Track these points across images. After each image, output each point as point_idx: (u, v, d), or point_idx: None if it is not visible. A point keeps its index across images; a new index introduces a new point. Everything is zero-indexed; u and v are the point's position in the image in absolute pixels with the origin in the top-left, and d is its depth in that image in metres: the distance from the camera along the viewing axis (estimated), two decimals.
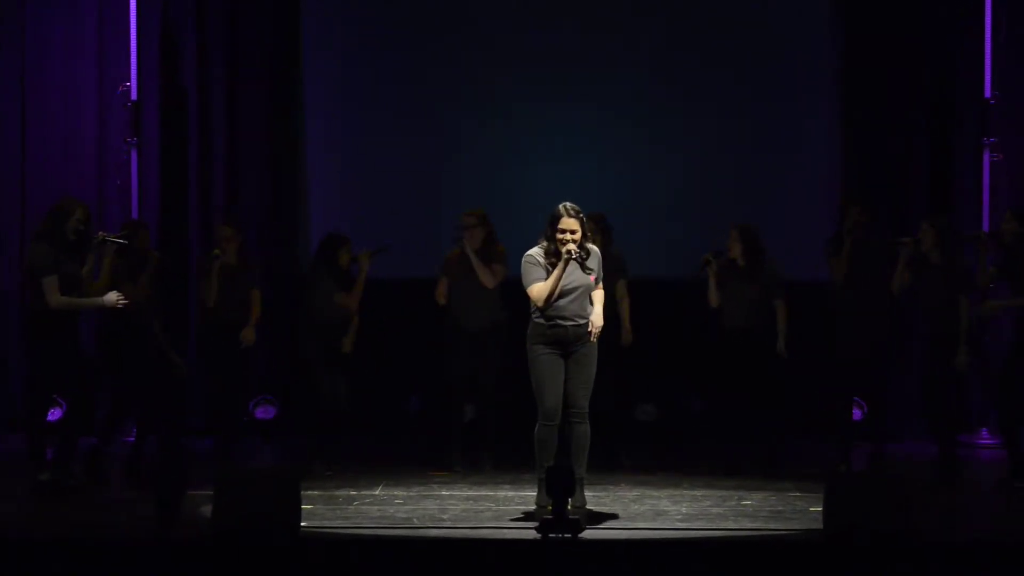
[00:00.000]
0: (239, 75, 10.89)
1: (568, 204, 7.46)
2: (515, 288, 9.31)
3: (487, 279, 9.16)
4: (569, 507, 7.30)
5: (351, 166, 11.02)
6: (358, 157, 11.01)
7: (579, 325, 7.47)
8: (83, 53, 10.82)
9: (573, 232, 7.40)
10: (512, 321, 9.31)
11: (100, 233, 8.54)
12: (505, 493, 8.28)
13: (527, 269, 7.48)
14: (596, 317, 7.47)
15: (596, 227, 9.09)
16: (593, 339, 7.46)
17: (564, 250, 7.38)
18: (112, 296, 8.23)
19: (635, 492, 8.25)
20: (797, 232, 10.48)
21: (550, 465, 7.31)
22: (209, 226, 10.73)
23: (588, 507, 7.62)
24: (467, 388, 9.32)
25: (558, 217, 7.44)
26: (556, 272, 7.40)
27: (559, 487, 6.78)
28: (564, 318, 7.46)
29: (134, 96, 10.77)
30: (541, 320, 7.49)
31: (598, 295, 7.56)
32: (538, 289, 7.44)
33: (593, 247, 7.56)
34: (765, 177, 10.84)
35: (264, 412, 10.81)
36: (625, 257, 9.32)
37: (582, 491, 7.56)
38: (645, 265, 9.79)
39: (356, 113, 10.99)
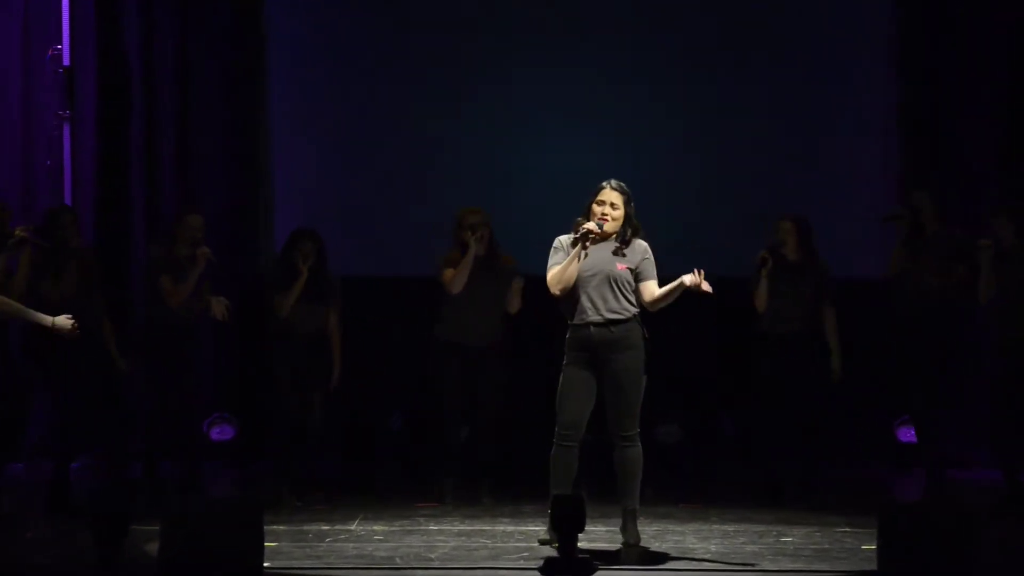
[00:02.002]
0: (190, 37, 10.88)
1: (615, 180, 7.52)
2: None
3: (514, 303, 9.22)
4: (623, 544, 7.45)
5: (323, 149, 11.01)
6: (331, 138, 11.02)
7: (605, 324, 7.43)
8: (6, 9, 10.81)
9: (614, 206, 7.43)
10: (534, 329, 9.35)
11: (18, 229, 8.52)
12: (504, 528, 8.30)
13: (551, 254, 7.54)
14: (685, 279, 7.26)
15: None
16: (703, 292, 7.27)
17: (581, 228, 7.39)
18: (63, 320, 8.00)
19: (656, 527, 8.26)
20: (845, 225, 10.51)
21: (556, 493, 7.34)
22: (156, 215, 10.75)
23: (597, 544, 7.65)
24: (462, 409, 9.36)
25: (599, 188, 7.51)
26: (572, 253, 7.43)
27: (566, 520, 6.79)
28: (584, 313, 7.44)
29: (66, 61, 10.77)
30: (569, 321, 7.53)
31: (652, 293, 7.44)
32: (550, 274, 7.49)
33: (642, 241, 7.54)
34: (808, 163, 10.85)
35: (221, 432, 10.83)
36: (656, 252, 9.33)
37: (635, 526, 7.56)
38: (668, 261, 9.77)
39: (328, 86, 10.99)
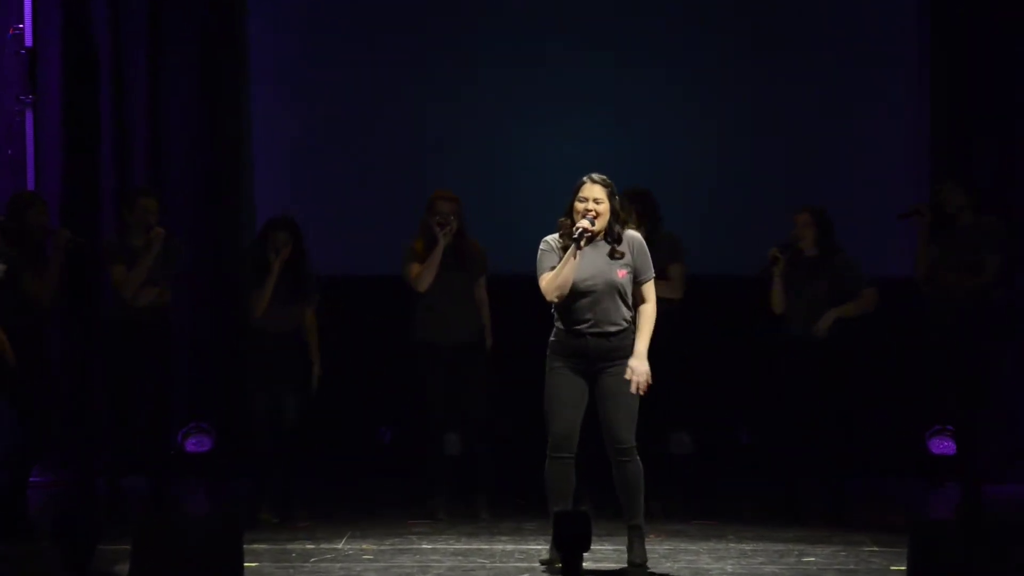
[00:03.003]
0: (163, 16, 10.85)
1: (595, 174, 7.52)
2: (507, 287, 9.40)
3: (484, 311, 9.28)
4: (629, 564, 7.48)
5: (307, 135, 11.01)
6: (316, 125, 11.01)
7: (604, 335, 7.47)
8: None
9: (597, 201, 7.43)
10: (510, 329, 9.35)
11: None
12: (503, 547, 8.30)
13: (539, 257, 7.54)
14: (636, 358, 7.44)
15: (632, 207, 9.11)
16: (633, 389, 7.45)
17: (575, 227, 7.40)
18: None
19: (667, 545, 8.27)
20: (873, 219, 10.49)
21: (558, 510, 7.34)
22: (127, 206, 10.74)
23: (604, 564, 7.65)
24: (449, 416, 9.36)
25: (579, 185, 7.50)
26: (567, 255, 7.43)
27: (569, 537, 6.79)
28: (583, 323, 7.47)
29: (29, 42, 10.75)
30: (559, 326, 7.53)
31: (646, 314, 7.51)
32: (545, 280, 7.49)
33: (633, 233, 7.57)
34: (831, 151, 10.85)
35: (197, 443, 10.82)
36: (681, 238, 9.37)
37: (642, 544, 7.58)
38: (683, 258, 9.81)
39: (314, 69, 10.98)
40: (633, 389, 7.44)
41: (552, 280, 7.45)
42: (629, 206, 9.02)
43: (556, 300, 7.48)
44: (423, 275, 9.20)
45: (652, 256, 7.61)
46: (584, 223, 7.40)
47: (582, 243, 7.38)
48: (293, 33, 11.06)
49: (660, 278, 8.36)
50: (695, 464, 10.50)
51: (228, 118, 10.96)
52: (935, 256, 9.26)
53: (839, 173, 10.78)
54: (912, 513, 9.31)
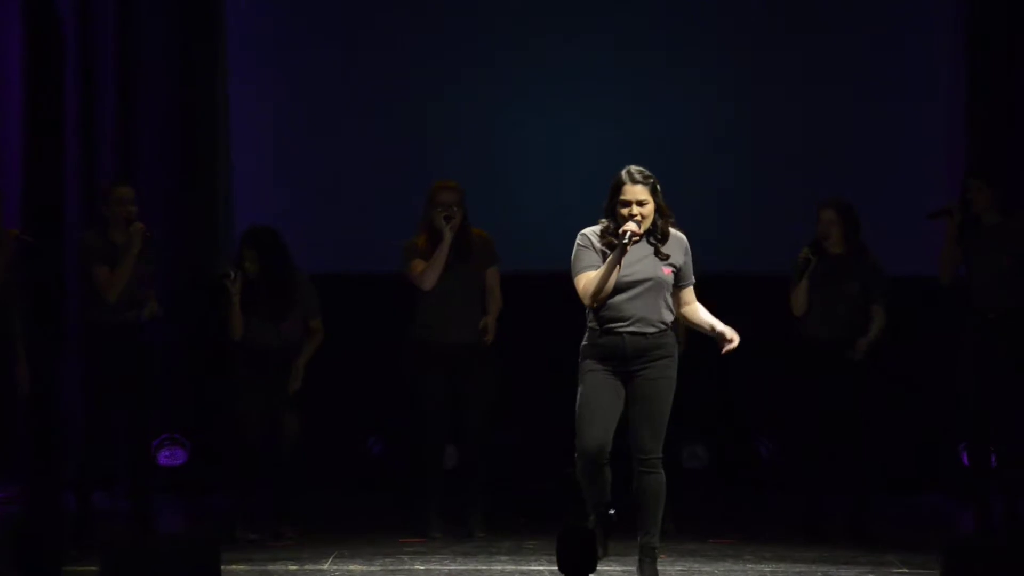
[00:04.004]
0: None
1: (634, 167, 7.49)
2: (517, 284, 9.40)
3: (494, 302, 9.27)
4: None
5: (290, 122, 11.05)
6: (299, 111, 11.04)
7: (642, 335, 7.44)
8: None
9: (641, 203, 7.42)
10: (512, 330, 9.34)
11: None
12: (502, 567, 8.29)
13: (576, 254, 7.50)
14: (721, 327, 7.48)
15: None
16: (725, 351, 7.49)
17: (621, 231, 7.40)
18: None
19: (680, 566, 8.27)
20: (903, 216, 10.51)
21: (568, 524, 7.32)
22: (94, 196, 10.71)
23: None
24: (445, 425, 9.35)
25: (619, 184, 7.46)
26: (610, 259, 7.41)
27: (574, 557, 6.78)
28: (621, 321, 7.44)
29: None
30: (594, 325, 7.51)
31: (700, 307, 7.55)
32: (585, 280, 7.46)
33: (679, 234, 7.55)
34: (857, 143, 10.88)
35: (171, 456, 10.82)
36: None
37: (653, 565, 7.52)
38: (696, 259, 9.81)
39: (294, 60, 11.03)
40: (730, 348, 7.48)
41: (594, 285, 7.40)
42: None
43: (595, 304, 7.47)
44: (428, 272, 9.16)
45: None
46: (631, 226, 7.37)
47: (628, 246, 7.37)
48: (275, 12, 11.06)
49: None
50: (710, 478, 10.52)
51: (204, 103, 10.99)
52: (959, 259, 9.26)
53: (867, 168, 10.80)
54: (945, 532, 9.29)
